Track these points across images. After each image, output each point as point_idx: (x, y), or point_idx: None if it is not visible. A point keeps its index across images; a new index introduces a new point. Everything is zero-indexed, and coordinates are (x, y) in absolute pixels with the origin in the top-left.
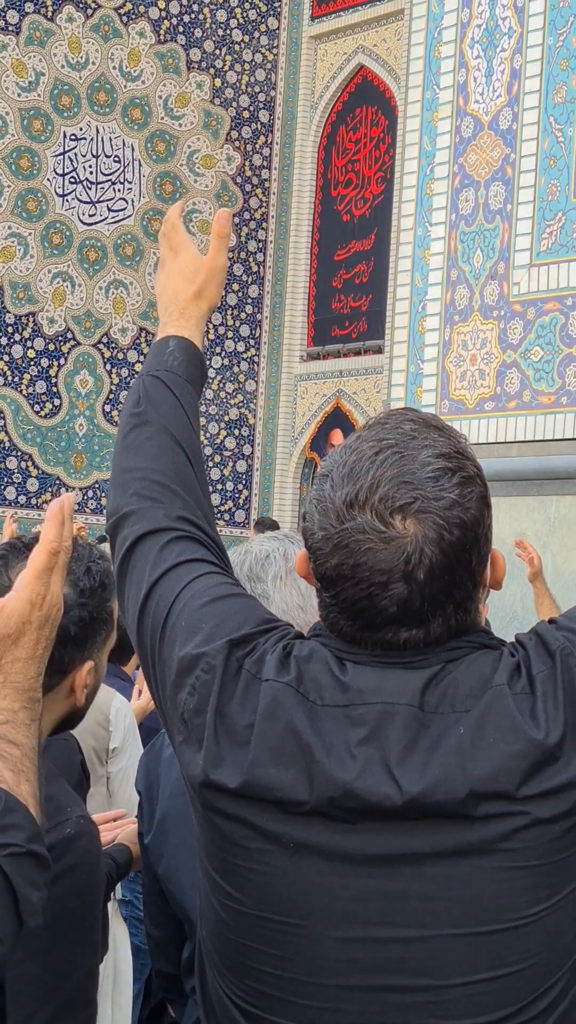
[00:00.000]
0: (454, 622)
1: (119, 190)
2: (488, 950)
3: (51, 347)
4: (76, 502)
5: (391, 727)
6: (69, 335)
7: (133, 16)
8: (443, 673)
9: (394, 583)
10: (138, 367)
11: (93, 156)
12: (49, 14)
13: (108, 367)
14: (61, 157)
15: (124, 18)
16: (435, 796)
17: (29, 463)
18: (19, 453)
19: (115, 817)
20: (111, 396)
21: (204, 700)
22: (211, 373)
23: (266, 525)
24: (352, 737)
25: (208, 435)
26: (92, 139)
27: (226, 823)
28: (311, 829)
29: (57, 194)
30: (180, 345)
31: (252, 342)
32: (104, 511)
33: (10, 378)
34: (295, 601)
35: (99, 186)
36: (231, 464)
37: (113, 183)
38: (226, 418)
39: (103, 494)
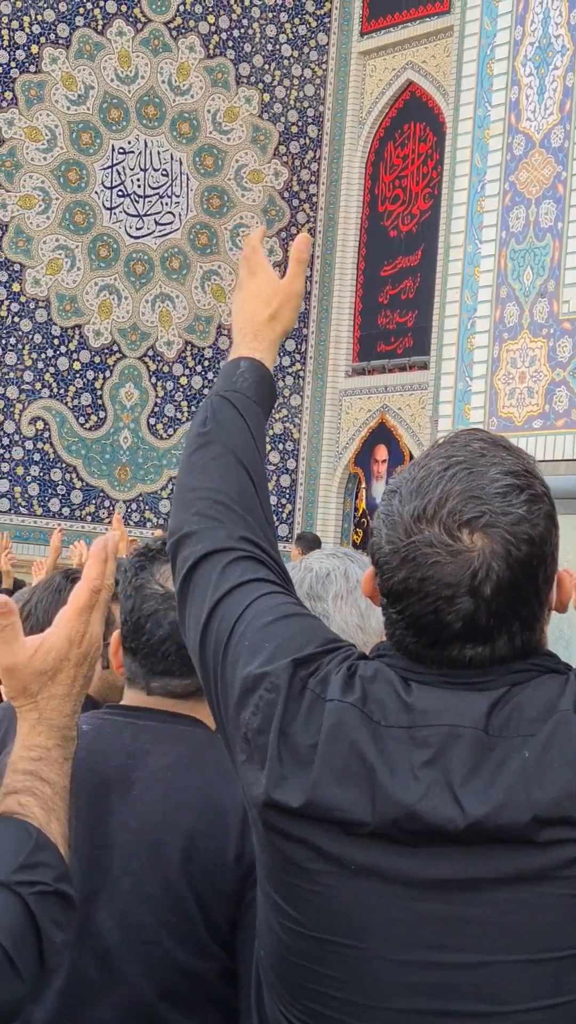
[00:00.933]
0: (519, 641)
1: (167, 204)
2: (549, 977)
3: (97, 360)
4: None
5: (455, 750)
6: (115, 348)
7: (183, 30)
8: (508, 696)
9: (460, 597)
10: (183, 380)
11: (141, 170)
12: (99, 28)
13: (153, 380)
14: (109, 170)
15: (174, 32)
16: (498, 820)
17: (74, 475)
18: (64, 465)
19: None
20: (156, 409)
21: (267, 720)
22: None
23: (308, 540)
24: (416, 759)
25: None
26: (140, 153)
27: (287, 844)
28: (372, 851)
29: (105, 207)
30: (251, 367)
31: (298, 357)
32: (148, 524)
33: (56, 390)
34: (354, 621)
35: (147, 199)
36: (275, 478)
37: (161, 197)
38: (271, 432)
39: (147, 507)
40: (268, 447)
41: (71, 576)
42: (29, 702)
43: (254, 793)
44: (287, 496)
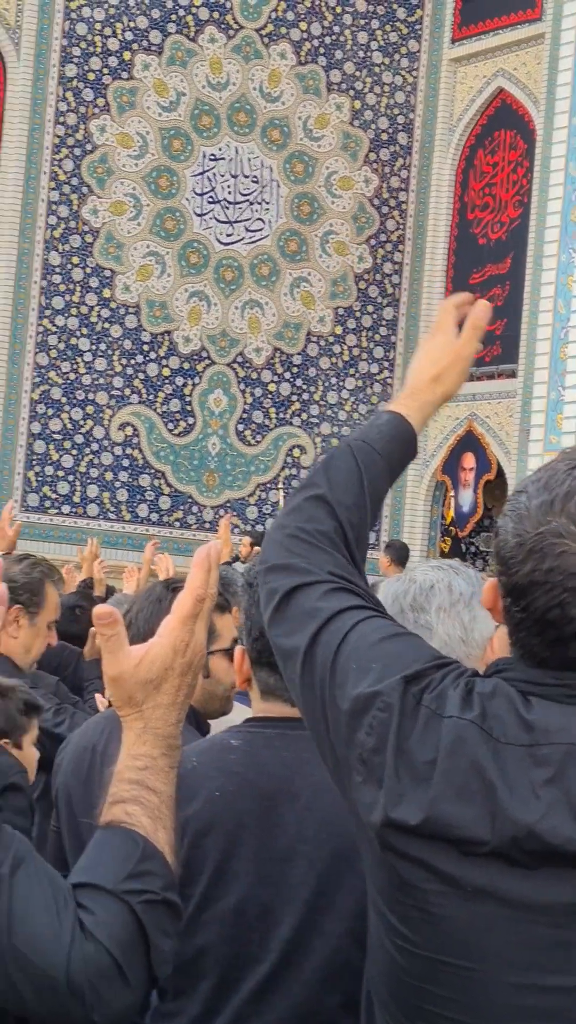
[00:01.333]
0: None
1: (257, 210)
2: None
3: (186, 366)
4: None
5: None
6: (204, 354)
7: (275, 37)
8: None
9: None
10: (272, 387)
11: (232, 176)
12: (191, 35)
13: (242, 386)
14: (200, 177)
15: (265, 39)
16: None
17: (162, 481)
18: (152, 471)
19: None
20: (244, 415)
21: (383, 738)
22: (344, 394)
23: (396, 548)
24: (536, 777)
25: None
26: (231, 159)
27: (404, 864)
28: (489, 872)
29: (195, 214)
30: (391, 420)
31: (386, 364)
32: (236, 531)
33: (145, 396)
34: (457, 633)
35: (237, 206)
36: None
37: (251, 203)
38: None
39: (234, 513)
40: None
41: (172, 586)
42: (134, 711)
43: (371, 814)
44: None
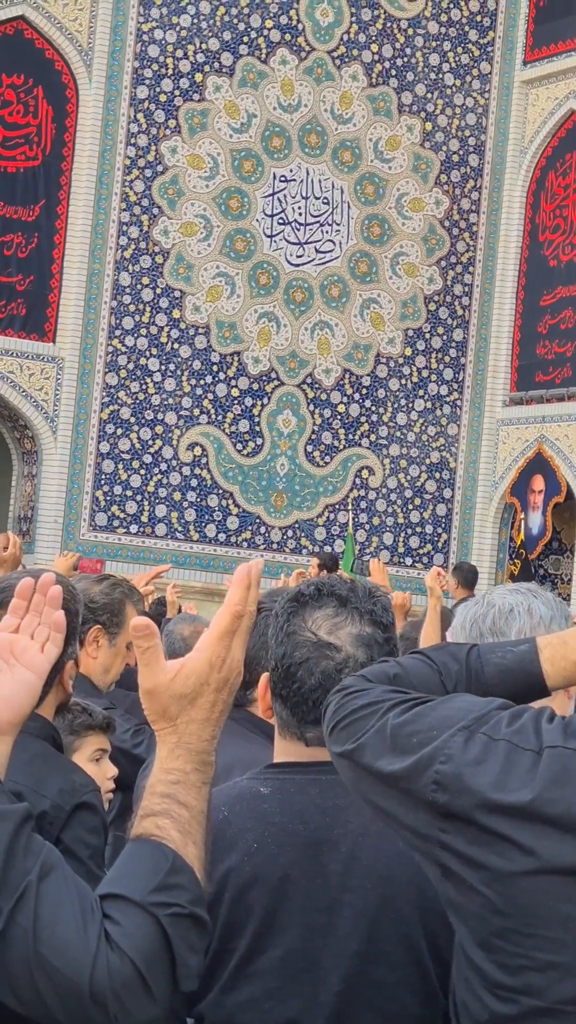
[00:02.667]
0: None
1: (327, 232)
2: None
3: (255, 386)
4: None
5: None
6: (273, 375)
7: (346, 59)
8: None
9: None
10: (341, 408)
11: (302, 198)
12: (263, 57)
13: (311, 407)
14: (270, 198)
15: (337, 61)
16: None
17: (230, 501)
18: (220, 491)
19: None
20: (313, 436)
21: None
22: (414, 416)
23: (464, 571)
24: None
25: (409, 477)
26: (302, 181)
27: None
28: None
29: (265, 235)
30: (524, 656)
31: (455, 386)
32: (304, 552)
33: (213, 416)
34: None
35: (307, 227)
36: (431, 507)
37: (321, 225)
38: (427, 461)
39: (302, 534)
40: (424, 476)
41: None
42: (168, 725)
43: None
44: (443, 525)
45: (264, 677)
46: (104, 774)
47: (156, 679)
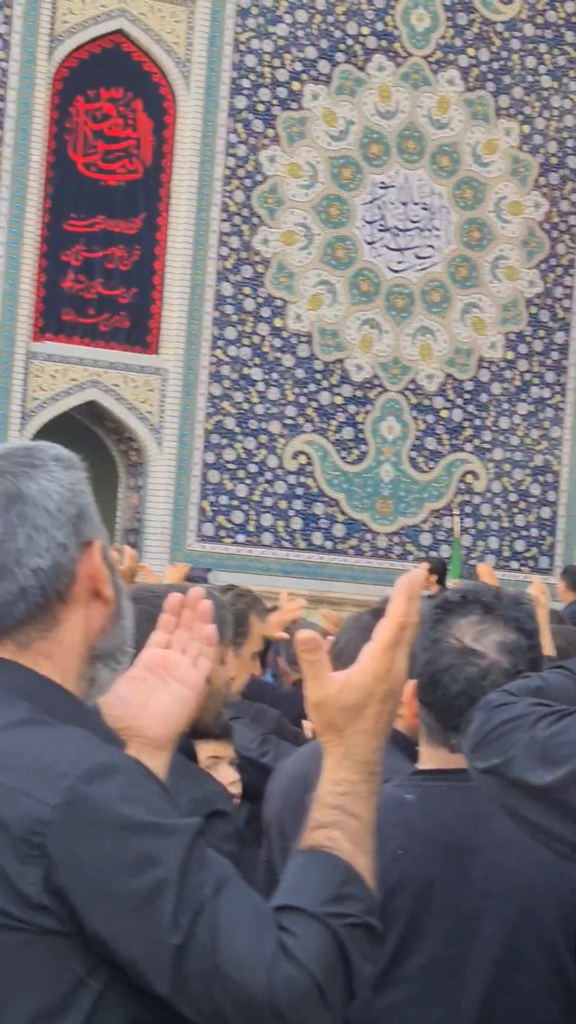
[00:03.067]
0: None
1: (427, 237)
2: None
3: (358, 394)
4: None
5: None
6: (376, 382)
7: (443, 64)
8: None
9: None
10: (444, 413)
11: (402, 204)
12: (360, 64)
13: (414, 413)
14: (370, 205)
15: (434, 66)
16: None
17: (335, 509)
18: (326, 499)
19: None
20: (417, 442)
21: None
22: (516, 419)
23: (572, 574)
24: None
25: (513, 481)
26: (401, 187)
27: None
28: None
29: (366, 242)
30: None
31: (558, 388)
32: (410, 557)
33: (318, 424)
34: None
35: (407, 233)
36: (536, 511)
37: (421, 230)
38: (531, 464)
39: (408, 540)
40: (528, 479)
41: (379, 613)
42: (336, 737)
43: None
44: (547, 528)
45: (411, 684)
46: (223, 780)
47: (323, 691)
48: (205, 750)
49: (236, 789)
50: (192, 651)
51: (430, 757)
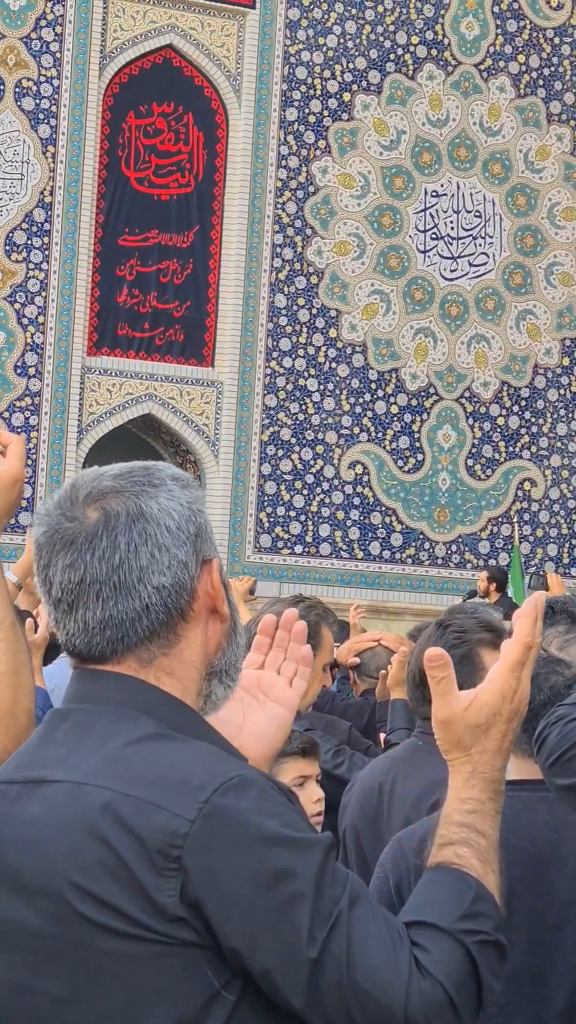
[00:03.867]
0: None
1: (480, 245)
2: None
3: (414, 402)
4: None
5: None
6: (431, 390)
7: (493, 71)
8: None
9: None
10: (500, 421)
11: (454, 212)
12: (410, 73)
13: (470, 421)
14: (422, 214)
15: (484, 74)
16: None
17: (393, 518)
18: (383, 508)
19: None
20: (473, 450)
21: None
22: (573, 426)
23: None
24: None
25: (571, 487)
26: (453, 195)
27: None
28: None
29: (419, 250)
30: None
31: None
32: (469, 566)
33: (374, 434)
34: None
35: (460, 241)
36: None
37: (474, 238)
38: (562, 474)
39: (466, 548)
40: (557, 491)
41: (444, 624)
42: (463, 755)
43: None
44: None
45: None
46: (310, 798)
47: (451, 709)
48: (291, 770)
49: (320, 807)
50: (288, 671)
51: (516, 768)
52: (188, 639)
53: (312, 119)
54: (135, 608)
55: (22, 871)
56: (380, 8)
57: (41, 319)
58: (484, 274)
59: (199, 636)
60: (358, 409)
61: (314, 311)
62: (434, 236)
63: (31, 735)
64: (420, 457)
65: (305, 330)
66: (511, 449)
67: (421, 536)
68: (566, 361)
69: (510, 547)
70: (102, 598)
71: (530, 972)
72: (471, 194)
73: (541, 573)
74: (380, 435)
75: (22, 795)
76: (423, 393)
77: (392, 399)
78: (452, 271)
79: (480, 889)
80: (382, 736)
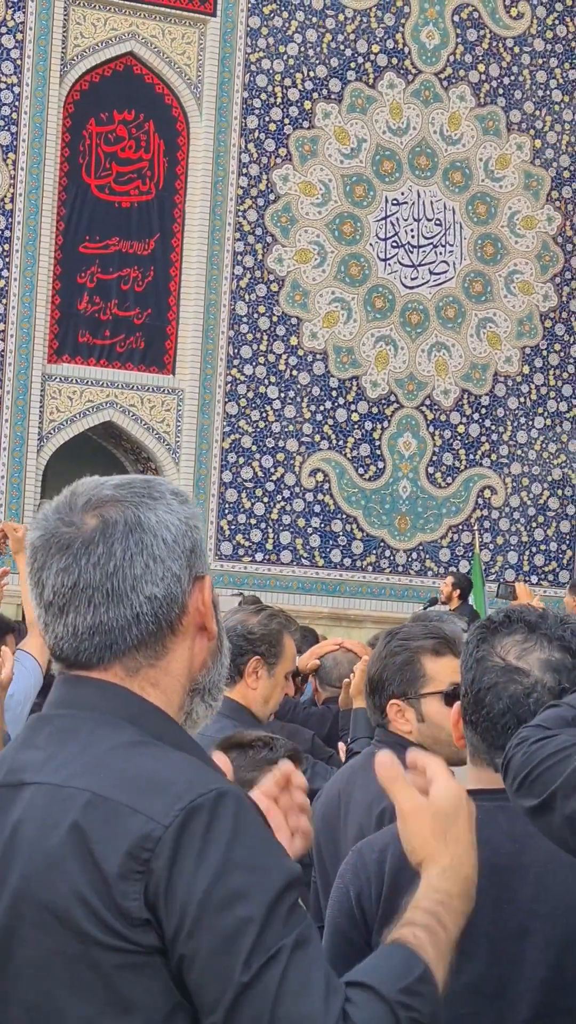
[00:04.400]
0: None
1: (440, 253)
2: None
3: (374, 410)
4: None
5: None
6: (392, 398)
7: (453, 80)
8: None
9: None
10: (460, 428)
11: (415, 220)
12: (371, 81)
13: (431, 429)
14: (383, 222)
15: (444, 82)
16: None
17: (353, 526)
18: (344, 516)
19: None
20: (434, 458)
21: None
22: (533, 433)
23: None
24: None
25: (531, 495)
26: (413, 203)
27: None
28: None
29: (379, 258)
30: None
31: (574, 401)
32: (429, 573)
33: (335, 441)
34: None
35: (421, 249)
36: (554, 524)
37: (434, 246)
38: (549, 478)
39: (427, 556)
40: (546, 493)
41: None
42: (441, 846)
43: None
44: (567, 542)
45: (456, 706)
46: None
47: (413, 801)
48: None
49: None
50: (292, 822)
51: (476, 778)
52: (175, 652)
53: (273, 127)
54: (126, 616)
55: (6, 875)
56: (341, 17)
57: (1, 326)
58: (444, 282)
59: (186, 651)
60: (319, 417)
61: (275, 319)
62: (395, 244)
63: (14, 737)
64: (381, 465)
65: (266, 338)
66: (471, 457)
67: (382, 543)
68: (526, 369)
69: (470, 555)
70: (94, 604)
71: (493, 983)
72: (431, 202)
73: (509, 582)
74: (341, 443)
75: (2, 799)
76: (384, 401)
77: (353, 407)
78: (413, 279)
79: (428, 974)
80: (342, 746)
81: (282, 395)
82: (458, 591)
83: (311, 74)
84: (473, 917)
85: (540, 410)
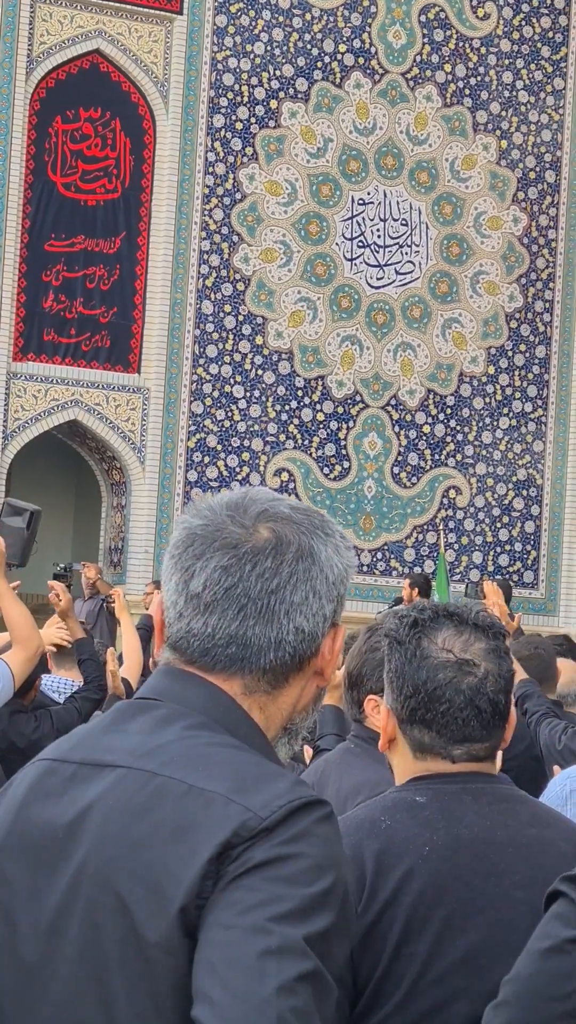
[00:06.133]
0: None
1: (406, 253)
2: None
3: (340, 410)
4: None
5: None
6: (358, 398)
7: (420, 80)
8: None
9: None
10: (426, 429)
11: (381, 220)
12: (337, 81)
13: (396, 429)
14: (349, 222)
15: (411, 83)
16: None
17: None
18: None
19: None
20: (399, 458)
21: None
22: (499, 434)
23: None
24: None
25: (496, 495)
26: (380, 203)
27: None
28: None
29: (345, 258)
30: None
31: (539, 402)
32: (394, 573)
33: (300, 441)
34: None
35: (387, 249)
36: (519, 525)
37: (401, 246)
38: (514, 479)
39: (392, 556)
40: (511, 493)
41: (375, 631)
42: None
43: None
44: (531, 543)
45: (384, 710)
46: None
47: None
48: None
49: None
50: None
51: (426, 769)
52: (290, 688)
53: (239, 126)
54: (270, 638)
55: (71, 853)
56: (308, 16)
57: None
58: (410, 282)
59: (298, 689)
60: (284, 416)
61: (241, 318)
62: (361, 244)
63: (97, 720)
64: (346, 464)
65: (231, 337)
66: (437, 457)
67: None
68: (491, 369)
69: (435, 554)
70: (244, 614)
71: (487, 955)
72: (398, 202)
73: (476, 582)
74: (306, 442)
75: (77, 777)
76: (349, 400)
77: (318, 406)
78: (379, 279)
79: None
80: (307, 749)
81: (247, 394)
82: (416, 590)
83: (278, 73)
84: (463, 892)
85: (505, 410)
